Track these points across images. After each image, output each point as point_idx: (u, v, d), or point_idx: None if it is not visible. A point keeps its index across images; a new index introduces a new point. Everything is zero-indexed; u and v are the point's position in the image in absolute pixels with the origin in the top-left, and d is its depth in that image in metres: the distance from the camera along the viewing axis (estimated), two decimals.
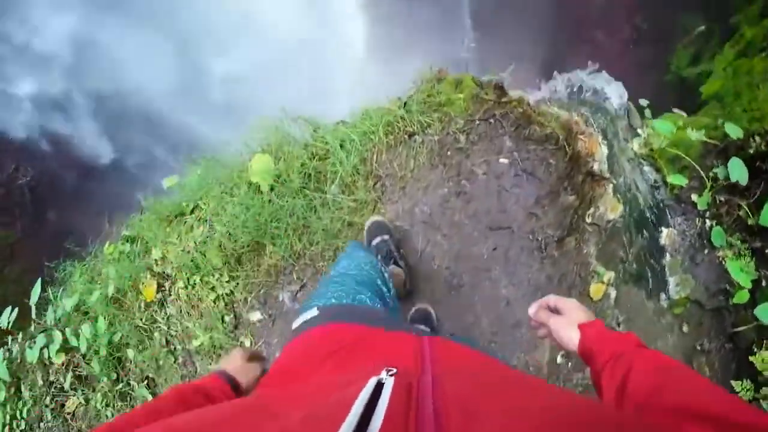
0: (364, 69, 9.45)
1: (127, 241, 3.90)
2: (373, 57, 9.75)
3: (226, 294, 2.99)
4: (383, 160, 2.71)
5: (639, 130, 3.56)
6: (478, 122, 2.76)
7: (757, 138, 2.87)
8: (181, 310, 3.22)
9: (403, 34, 9.52)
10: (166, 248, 3.30)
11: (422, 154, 2.69)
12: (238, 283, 2.92)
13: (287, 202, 2.70)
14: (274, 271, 2.84)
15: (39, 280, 3.94)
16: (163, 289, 3.29)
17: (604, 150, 3.24)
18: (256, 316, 2.99)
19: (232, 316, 3.02)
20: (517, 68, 3.48)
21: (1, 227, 8.41)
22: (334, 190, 2.67)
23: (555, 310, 1.13)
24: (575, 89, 4.05)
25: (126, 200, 9.57)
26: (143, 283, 3.33)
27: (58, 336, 3.70)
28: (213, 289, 3.02)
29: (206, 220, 3.07)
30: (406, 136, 2.72)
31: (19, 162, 8.75)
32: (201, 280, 3.03)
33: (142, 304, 3.39)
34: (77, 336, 3.63)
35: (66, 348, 3.70)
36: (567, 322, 1.06)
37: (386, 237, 2.54)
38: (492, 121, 2.76)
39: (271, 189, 2.83)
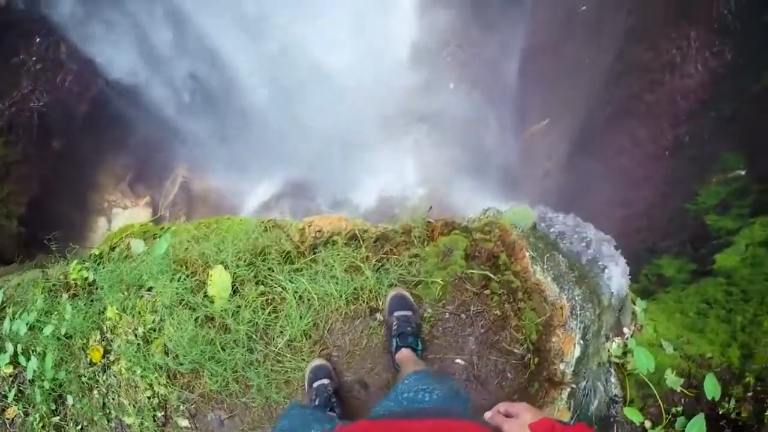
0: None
1: (94, 262, 3.87)
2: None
3: (161, 394, 2.94)
4: (337, 329, 2.59)
5: (625, 329, 3.39)
6: (448, 315, 2.61)
7: (732, 402, 2.72)
8: (120, 385, 3.20)
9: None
10: (118, 316, 3.23)
11: (379, 335, 2.56)
12: (173, 392, 2.86)
13: (233, 336, 2.59)
14: (207, 394, 2.77)
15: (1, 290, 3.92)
16: (108, 357, 3.25)
17: (577, 351, 3.09)
18: (184, 423, 2.95)
19: (162, 414, 2.99)
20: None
21: (3, 145, 8.33)
22: (280, 344, 2.56)
23: (507, 415, 1.24)
24: (580, 243, 3.82)
25: (122, 169, 9.51)
26: (91, 346, 3.30)
27: (9, 348, 3.74)
28: (150, 385, 2.97)
29: (159, 312, 2.98)
30: (368, 310, 2.58)
31: (37, 85, 8.58)
32: (141, 374, 2.97)
33: (89, 359, 3.38)
34: (27, 357, 3.67)
35: (15, 362, 3.74)
36: (519, 424, 1.17)
37: (326, 381, 2.48)
38: (464, 316, 2.61)
39: (223, 311, 2.72)
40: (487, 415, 1.31)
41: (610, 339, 3.38)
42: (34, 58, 8.45)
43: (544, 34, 8.24)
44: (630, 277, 3.59)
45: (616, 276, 3.54)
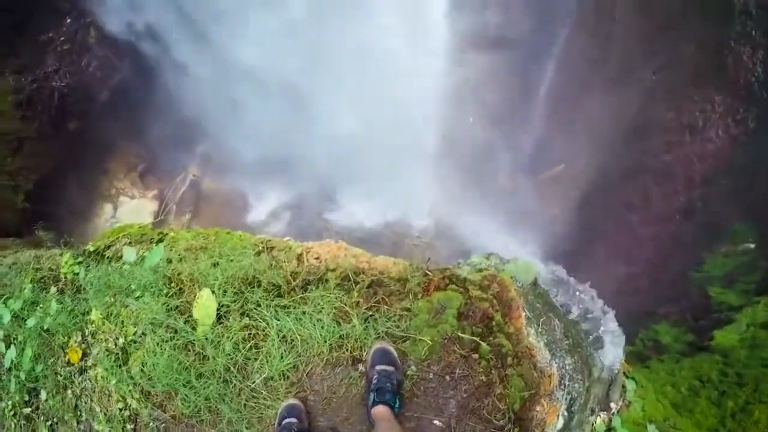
0: None
1: (88, 257, 3.83)
2: None
3: (133, 408, 2.87)
4: (316, 374, 2.52)
5: (612, 404, 3.29)
6: (432, 375, 2.53)
7: None
8: (94, 391, 3.14)
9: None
10: (101, 321, 3.18)
11: (358, 386, 2.48)
12: (146, 407, 2.79)
13: (211, 366, 2.52)
14: (179, 416, 2.70)
15: None
16: (86, 360, 3.20)
17: (560, 423, 3.00)
18: None
19: (131, 427, 2.92)
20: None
21: (20, 119, 8.37)
22: (257, 381, 2.49)
23: None
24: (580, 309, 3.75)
25: (135, 159, 9.54)
26: (71, 346, 3.25)
27: None
28: (123, 397, 2.91)
29: (141, 326, 2.92)
30: (350, 360, 2.51)
31: (61, 65, 8.63)
32: (115, 384, 2.91)
33: (67, 359, 3.33)
34: (6, 345, 3.64)
35: None
36: None
37: (294, 420, 2.42)
38: (448, 378, 2.53)
39: (205, 339, 2.66)
40: None
41: (596, 413, 3.29)
42: (62, 38, 8.50)
43: (568, 84, 8.21)
44: (628, 346, 3.51)
45: (612, 350, 3.45)
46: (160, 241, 3.77)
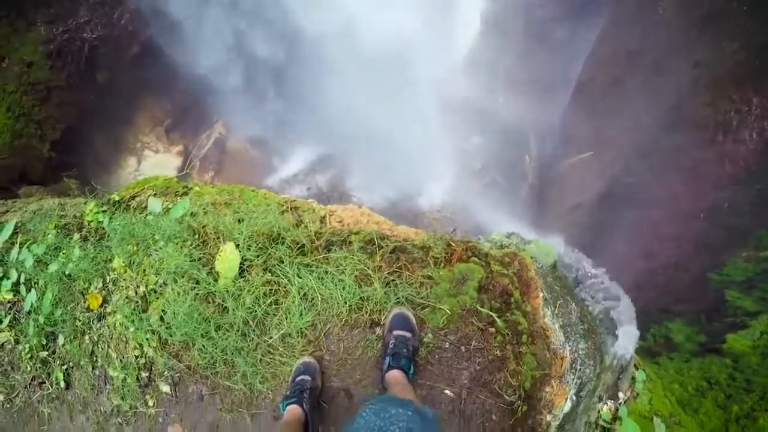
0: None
1: (113, 206, 3.87)
2: None
3: (149, 356, 2.93)
4: (334, 334, 2.54)
5: (620, 394, 3.28)
6: (447, 345, 2.53)
7: None
8: (111, 337, 3.19)
9: None
10: (123, 269, 3.22)
11: (374, 349, 2.49)
12: (161, 357, 2.84)
13: (230, 319, 2.55)
14: (194, 367, 2.75)
15: (12, 222, 3.92)
16: (105, 307, 3.25)
17: (567, 406, 3.00)
18: (165, 388, 2.94)
19: (146, 375, 2.98)
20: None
21: (49, 69, 8.42)
22: (274, 337, 2.51)
23: None
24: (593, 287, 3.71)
25: (162, 114, 9.54)
26: (91, 293, 3.30)
27: (13, 275, 3.76)
28: (140, 345, 2.96)
29: (163, 276, 2.95)
30: (369, 322, 2.52)
31: (93, 17, 8.63)
32: (133, 332, 2.96)
33: (87, 305, 3.38)
34: (27, 288, 3.69)
35: (16, 290, 3.76)
36: None
37: (307, 378, 2.45)
38: (463, 349, 2.54)
39: (226, 291, 2.68)
40: None
41: (603, 401, 3.28)
42: None
43: (604, 70, 8.01)
44: (639, 341, 3.48)
45: (626, 339, 3.42)
46: (185, 194, 3.79)
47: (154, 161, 9.20)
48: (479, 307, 2.61)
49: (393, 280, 2.58)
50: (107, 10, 8.66)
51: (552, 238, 7.72)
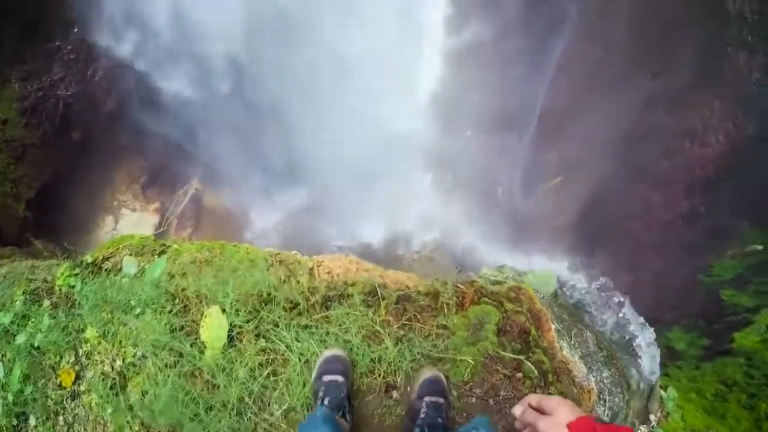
0: None
1: (85, 269, 3.35)
2: None
3: None
4: None
5: (652, 417, 2.86)
6: (475, 400, 2.07)
7: None
8: (88, 419, 2.62)
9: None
10: (97, 340, 2.68)
11: (393, 416, 2.01)
12: None
13: (222, 396, 2.03)
14: None
15: None
16: (79, 384, 2.69)
17: None
18: None
19: None
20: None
21: (24, 127, 7.81)
22: (277, 414, 2.00)
23: (540, 410, 1.05)
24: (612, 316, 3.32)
25: (138, 171, 9.01)
26: (63, 368, 2.75)
27: None
28: (121, 428, 2.40)
29: (141, 347, 2.42)
30: (383, 386, 2.03)
31: (67, 74, 8.09)
32: (111, 414, 2.41)
33: (59, 381, 2.82)
34: None
35: None
36: (555, 423, 0.98)
37: (341, 379, 1.93)
38: (492, 402, 2.07)
39: (215, 364, 2.17)
40: (517, 410, 1.11)
41: (637, 427, 2.86)
42: (69, 47, 7.99)
43: (565, 94, 7.81)
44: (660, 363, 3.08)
45: (648, 360, 3.03)
46: (163, 252, 3.31)
47: (132, 219, 8.57)
48: (502, 352, 2.16)
49: (404, 335, 2.12)
50: (81, 66, 8.14)
51: (537, 263, 7.43)
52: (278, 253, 2.84)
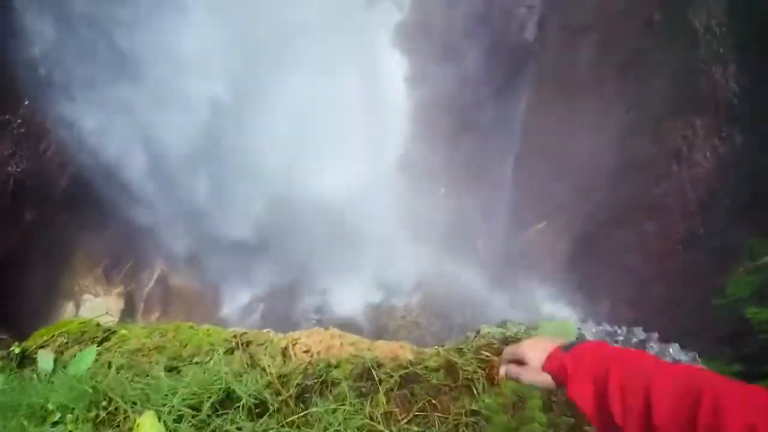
0: None
1: (11, 360, 2.70)
2: None
3: None
4: None
5: None
6: None
7: None
8: None
9: None
10: None
11: None
12: None
13: None
14: None
15: None
16: None
17: None
18: None
19: None
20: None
21: None
22: None
23: (518, 361, 1.02)
24: None
25: (99, 254, 8.33)
26: None
27: None
28: None
29: None
30: None
31: (17, 150, 7.46)
32: None
33: None
34: None
35: None
36: (534, 370, 0.98)
37: None
38: None
39: None
40: (502, 371, 1.04)
41: None
42: (19, 121, 7.43)
43: (537, 139, 7.59)
44: None
45: None
46: (106, 339, 2.68)
47: (94, 305, 7.74)
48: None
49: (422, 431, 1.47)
50: (32, 141, 7.55)
51: (537, 313, 6.85)
52: (244, 333, 2.21)
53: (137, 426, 1.65)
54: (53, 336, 2.93)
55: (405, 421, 1.52)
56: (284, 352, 1.92)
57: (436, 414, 1.54)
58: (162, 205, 7.79)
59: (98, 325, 2.95)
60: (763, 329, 4.07)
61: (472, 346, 1.77)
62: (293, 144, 7.35)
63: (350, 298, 8.07)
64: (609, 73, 6.76)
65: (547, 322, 3.04)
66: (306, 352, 1.96)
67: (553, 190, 7.35)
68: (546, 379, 0.96)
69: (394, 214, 8.15)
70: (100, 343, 2.64)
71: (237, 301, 8.35)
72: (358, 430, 1.44)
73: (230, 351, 1.86)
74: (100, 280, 8.01)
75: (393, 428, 1.47)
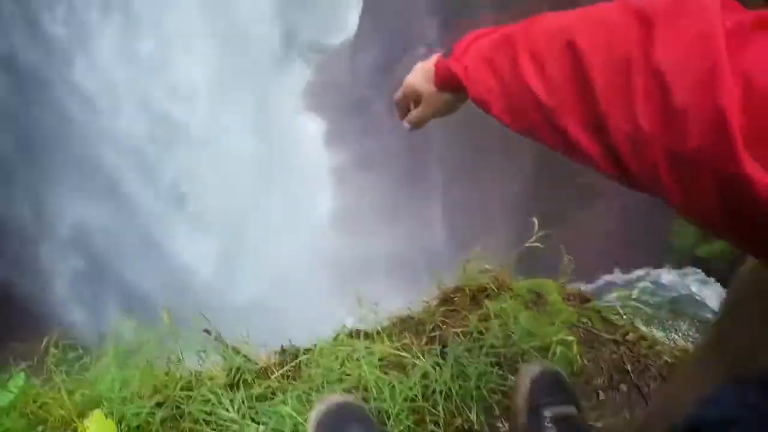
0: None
1: None
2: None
3: None
4: None
5: None
6: (602, 395, 1.13)
7: None
8: None
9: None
10: None
11: None
12: None
13: None
14: None
15: None
16: None
17: None
18: None
19: None
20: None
21: None
22: None
23: (407, 97, 0.89)
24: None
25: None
26: None
27: None
28: None
29: None
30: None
31: None
32: None
33: None
34: None
35: None
36: (428, 98, 0.82)
37: None
38: (624, 387, 1.16)
39: None
40: (406, 125, 0.91)
41: None
42: None
43: (461, 174, 7.87)
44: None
45: (712, 295, 2.37)
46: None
47: None
48: (589, 321, 1.31)
49: (443, 348, 1.16)
50: None
51: None
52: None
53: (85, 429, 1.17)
54: None
55: (421, 344, 1.21)
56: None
57: (451, 329, 1.25)
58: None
59: None
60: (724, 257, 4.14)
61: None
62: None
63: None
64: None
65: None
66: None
67: (485, 217, 7.40)
68: (445, 98, 0.81)
69: (334, 267, 7.90)
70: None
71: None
72: (376, 355, 1.11)
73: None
74: None
75: (411, 353, 1.15)
